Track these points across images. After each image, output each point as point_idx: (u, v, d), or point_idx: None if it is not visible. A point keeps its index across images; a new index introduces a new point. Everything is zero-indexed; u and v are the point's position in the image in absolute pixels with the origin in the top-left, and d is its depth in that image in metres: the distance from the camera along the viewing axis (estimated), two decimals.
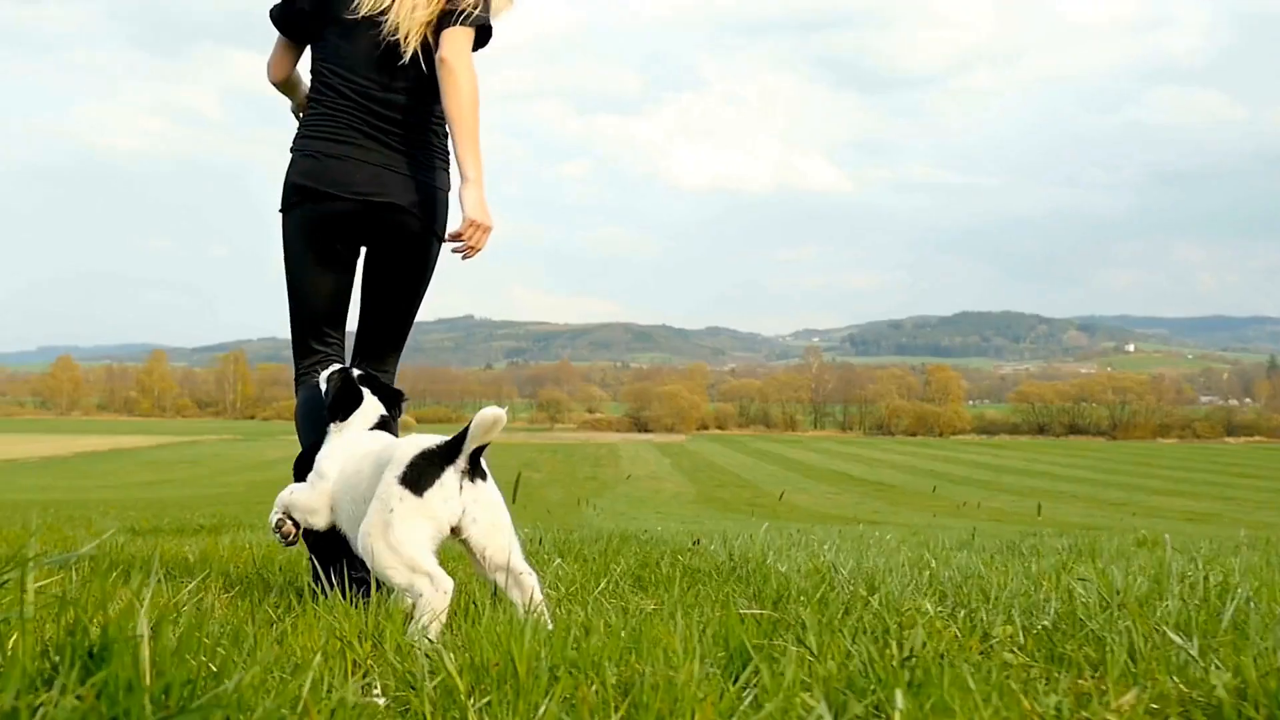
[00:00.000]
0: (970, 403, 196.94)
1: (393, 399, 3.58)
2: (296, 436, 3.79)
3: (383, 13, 3.60)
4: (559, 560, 4.45)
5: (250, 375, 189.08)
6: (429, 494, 2.91)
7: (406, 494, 2.91)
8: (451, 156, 3.70)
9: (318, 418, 3.56)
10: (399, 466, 2.96)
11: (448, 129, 3.61)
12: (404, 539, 2.86)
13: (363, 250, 3.80)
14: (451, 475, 2.93)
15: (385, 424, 3.49)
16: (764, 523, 20.21)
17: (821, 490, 58.53)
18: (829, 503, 49.04)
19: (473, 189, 3.52)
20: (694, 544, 5.19)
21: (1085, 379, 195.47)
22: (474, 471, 2.96)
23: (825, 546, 6.07)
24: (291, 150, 3.73)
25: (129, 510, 16.70)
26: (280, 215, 3.73)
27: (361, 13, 3.61)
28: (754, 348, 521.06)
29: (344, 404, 3.45)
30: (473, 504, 2.95)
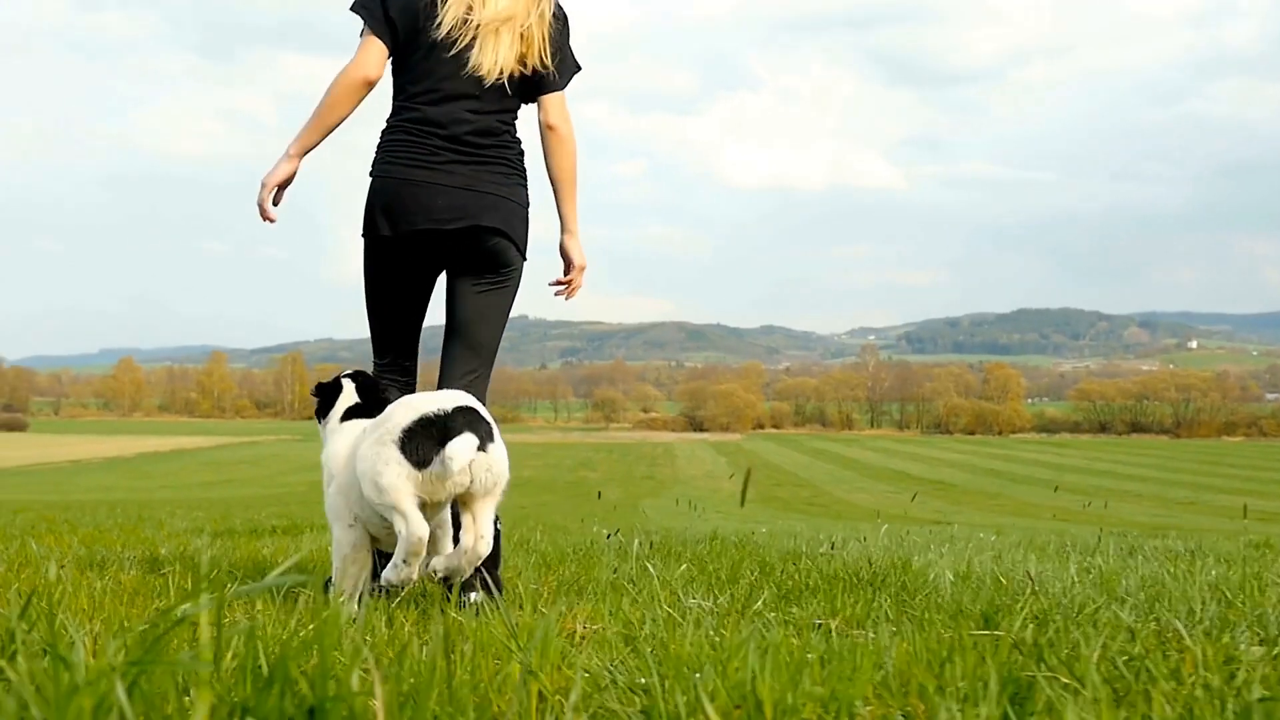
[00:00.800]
0: (1030, 401, 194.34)
1: (375, 394, 3.48)
2: None
3: (467, 47, 3.49)
4: (685, 565, 4.12)
5: (308, 376, 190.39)
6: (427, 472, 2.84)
7: (404, 462, 2.84)
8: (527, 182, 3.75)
9: None
10: (395, 432, 2.87)
11: (551, 185, 3.79)
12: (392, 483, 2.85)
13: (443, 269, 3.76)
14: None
15: (361, 412, 3.38)
16: (829, 522, 19.75)
17: (880, 489, 57.90)
18: (889, 502, 48.35)
19: (576, 240, 3.91)
20: (830, 548, 4.85)
21: (1147, 376, 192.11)
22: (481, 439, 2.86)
23: (943, 549, 5.70)
24: (371, 175, 3.62)
25: (194, 510, 16.60)
26: (361, 239, 3.64)
27: (442, 34, 3.47)
28: (809, 346, 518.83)
29: (324, 404, 3.44)
30: (482, 472, 2.88)
